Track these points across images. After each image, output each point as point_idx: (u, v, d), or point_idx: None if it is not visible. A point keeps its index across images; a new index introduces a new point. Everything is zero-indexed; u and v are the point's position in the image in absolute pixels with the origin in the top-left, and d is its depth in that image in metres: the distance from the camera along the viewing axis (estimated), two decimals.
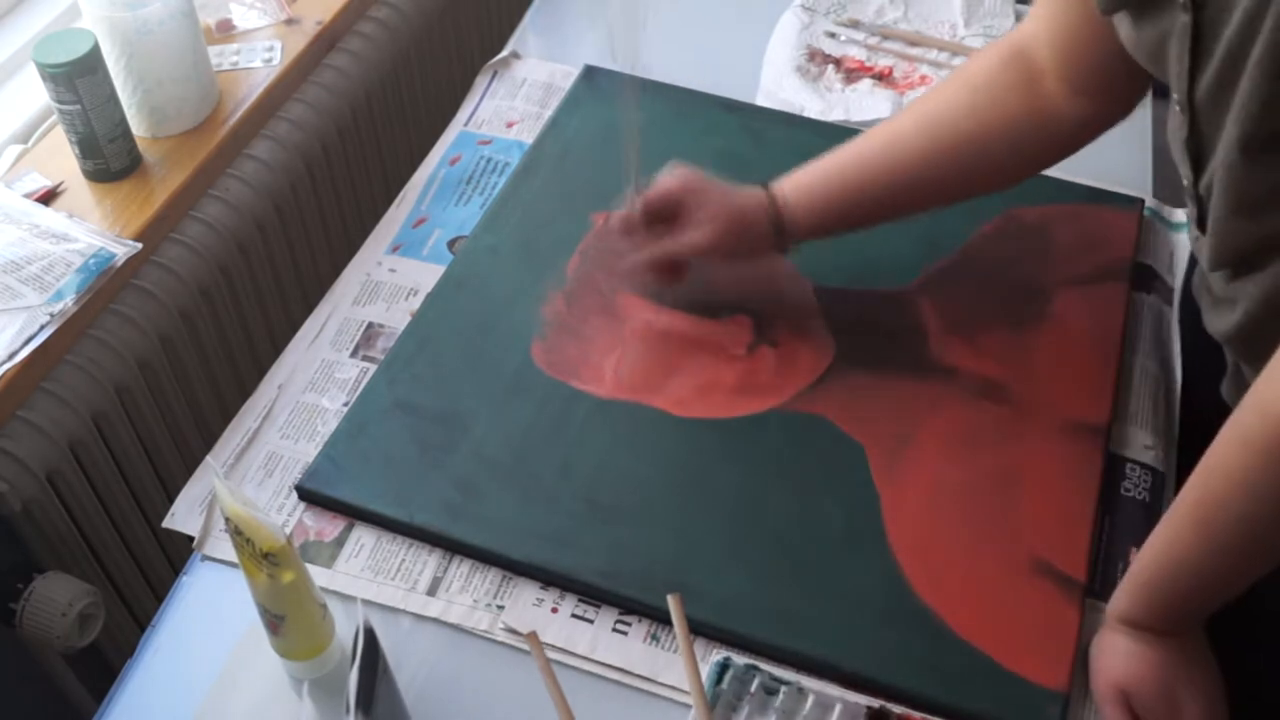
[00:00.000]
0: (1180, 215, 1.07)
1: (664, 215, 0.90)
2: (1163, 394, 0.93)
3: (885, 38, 1.24)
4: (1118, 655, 0.73)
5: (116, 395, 1.02)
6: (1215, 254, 0.71)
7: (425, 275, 1.01)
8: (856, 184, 0.88)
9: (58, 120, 1.04)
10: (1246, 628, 0.74)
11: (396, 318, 0.98)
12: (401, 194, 1.09)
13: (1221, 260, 0.71)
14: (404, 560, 0.83)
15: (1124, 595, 0.73)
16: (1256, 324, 0.71)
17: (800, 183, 0.89)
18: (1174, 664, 0.72)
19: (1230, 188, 0.66)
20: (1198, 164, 0.69)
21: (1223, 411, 0.66)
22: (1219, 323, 0.76)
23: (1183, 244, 1.05)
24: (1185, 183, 0.72)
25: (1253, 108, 0.61)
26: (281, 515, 0.85)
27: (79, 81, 0.99)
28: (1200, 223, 0.72)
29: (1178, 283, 1.01)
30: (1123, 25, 0.72)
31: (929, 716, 0.74)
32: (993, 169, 0.88)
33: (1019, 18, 1.25)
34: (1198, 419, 0.84)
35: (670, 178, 0.90)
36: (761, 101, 1.18)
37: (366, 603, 0.79)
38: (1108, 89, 0.81)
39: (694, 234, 0.89)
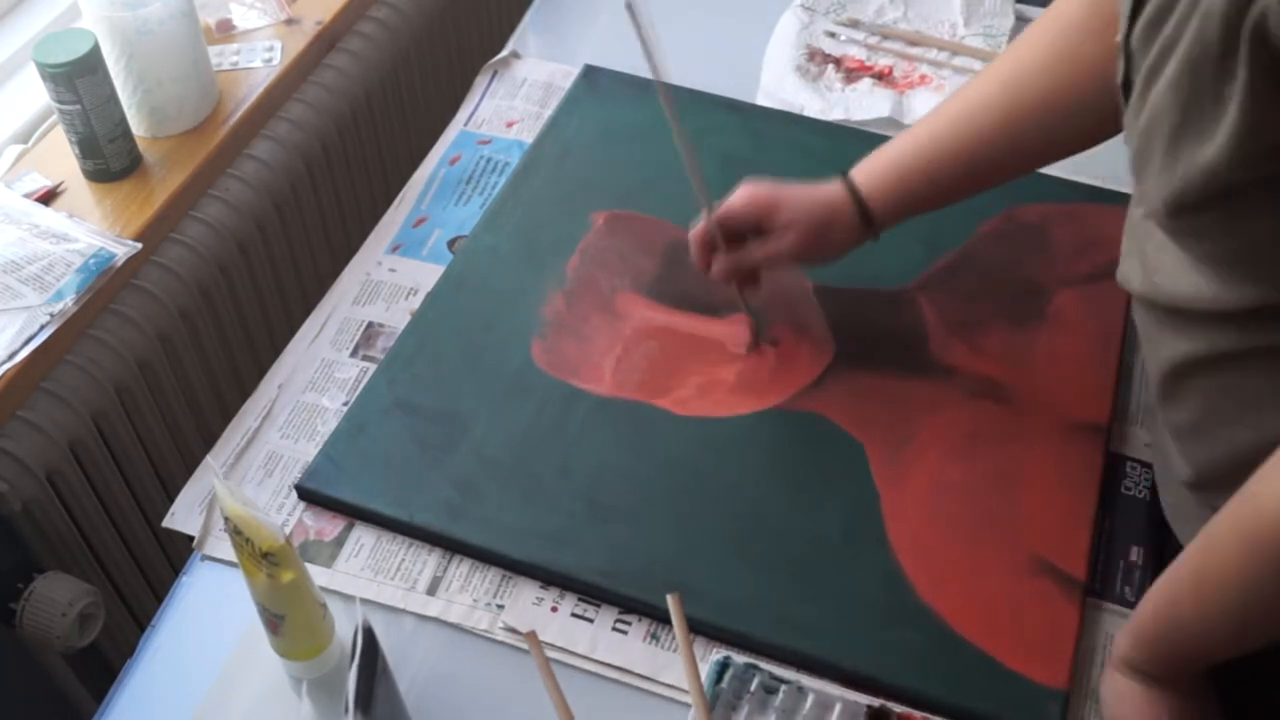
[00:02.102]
0: None
1: (741, 232, 0.87)
2: None
3: (885, 37, 1.24)
4: (1121, 700, 0.72)
5: (116, 395, 1.02)
6: (1139, 198, 0.69)
7: (425, 275, 1.01)
8: (941, 160, 0.84)
9: (58, 120, 1.04)
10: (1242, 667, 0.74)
11: (396, 317, 0.98)
12: (401, 194, 1.09)
13: (1148, 209, 0.69)
14: (404, 560, 0.83)
15: (1127, 642, 0.72)
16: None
17: (879, 167, 0.86)
18: (1176, 710, 0.71)
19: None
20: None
21: None
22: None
23: None
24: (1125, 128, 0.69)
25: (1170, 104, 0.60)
26: (281, 515, 0.85)
27: (79, 81, 0.99)
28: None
29: None
30: None
31: (929, 715, 0.73)
32: (1078, 125, 0.83)
33: (1018, 17, 1.25)
34: None
35: (738, 197, 0.87)
36: (761, 101, 1.18)
37: (366, 602, 0.79)
38: None
39: (776, 243, 0.86)
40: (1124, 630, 0.73)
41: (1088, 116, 0.82)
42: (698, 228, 0.89)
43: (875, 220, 0.86)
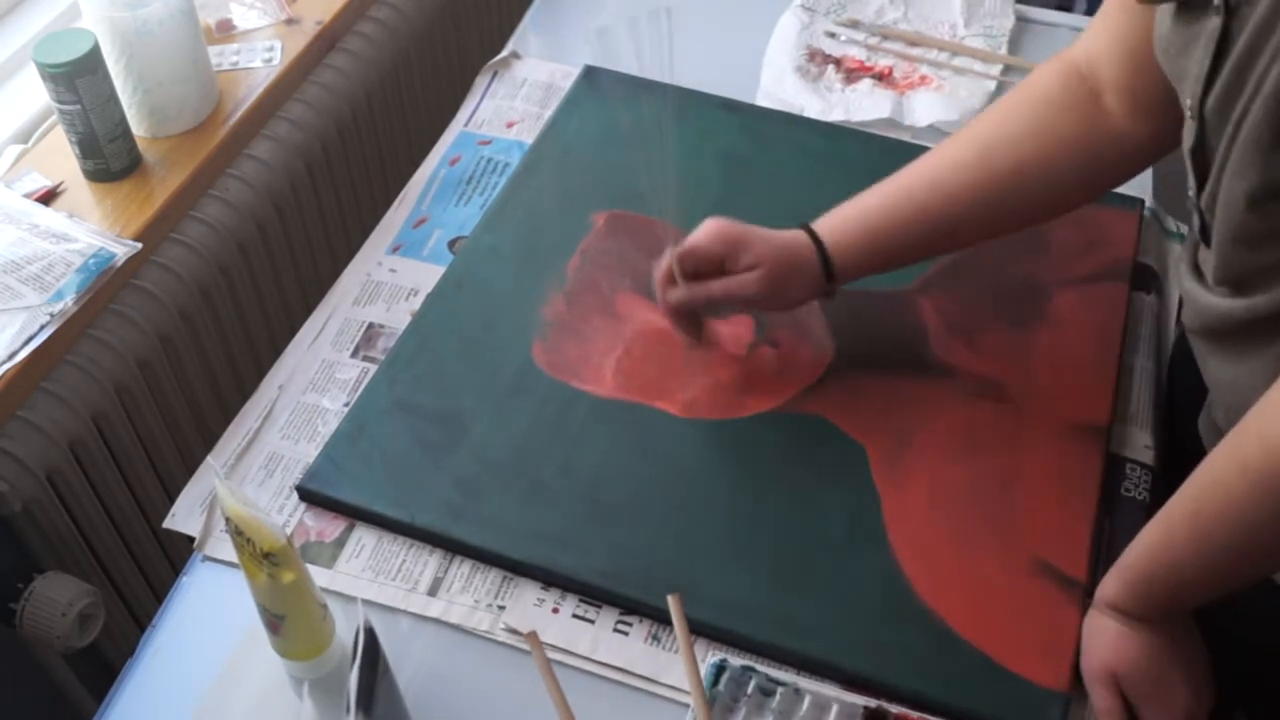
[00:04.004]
0: (1173, 223, 1.07)
1: (702, 271, 0.86)
2: (1163, 394, 0.93)
3: (885, 38, 1.24)
4: (1108, 639, 0.74)
5: (116, 395, 1.02)
6: (1218, 271, 0.70)
7: (425, 275, 1.01)
8: (905, 219, 0.84)
9: (58, 120, 1.04)
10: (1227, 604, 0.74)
11: (397, 318, 0.98)
12: (402, 194, 1.09)
13: (1224, 278, 0.70)
14: (405, 561, 0.83)
15: (1115, 584, 0.73)
16: (1244, 328, 0.71)
17: (847, 220, 0.85)
18: (1164, 648, 0.72)
19: (1230, 220, 0.66)
20: (1202, 175, 0.69)
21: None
22: (1199, 319, 0.75)
23: (1178, 251, 1.05)
24: (1190, 193, 0.71)
25: (1252, 158, 0.61)
26: (282, 516, 0.85)
27: (79, 81, 0.99)
28: (1204, 235, 0.71)
29: (1173, 288, 1.01)
30: (1162, 20, 0.70)
31: (927, 716, 0.74)
32: (1049, 196, 0.84)
33: (1019, 17, 1.25)
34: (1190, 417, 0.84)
35: (704, 231, 0.86)
36: (761, 101, 1.18)
37: (367, 603, 0.79)
38: (1169, 108, 0.75)
39: (739, 282, 0.85)
40: (1112, 573, 0.74)
41: (1057, 189, 0.84)
42: (661, 266, 0.87)
43: (836, 273, 0.85)
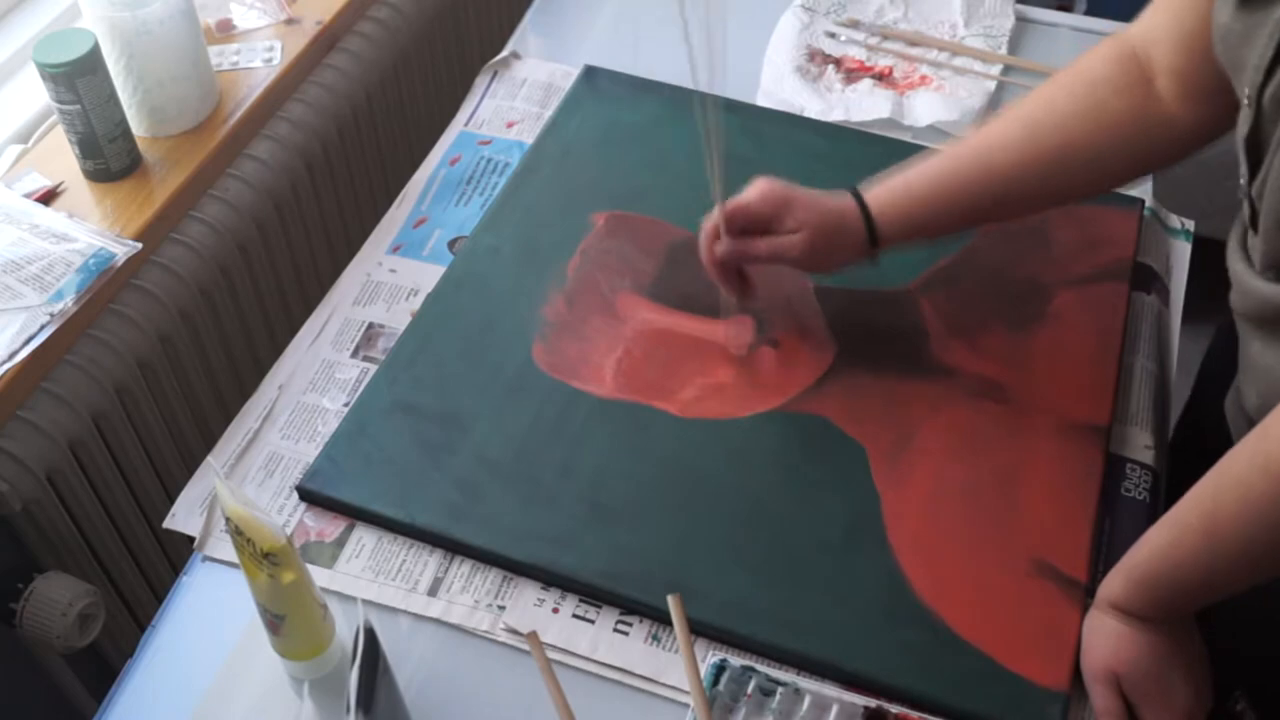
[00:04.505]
0: (1176, 220, 1.07)
1: (749, 229, 0.87)
2: (1163, 394, 0.93)
3: (885, 38, 1.24)
4: (1109, 638, 0.74)
5: (116, 395, 1.02)
6: (1265, 257, 0.70)
7: (426, 275, 1.01)
8: (951, 190, 0.86)
9: (58, 120, 1.04)
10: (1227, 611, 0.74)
11: (397, 318, 0.98)
12: (402, 194, 1.09)
13: (1271, 264, 0.70)
14: (405, 561, 0.83)
15: (1119, 584, 0.74)
16: None
17: (893, 189, 0.87)
18: (1165, 648, 0.72)
19: (1278, 208, 0.65)
20: (1255, 163, 0.68)
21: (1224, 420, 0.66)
22: (1245, 303, 0.75)
23: (1180, 249, 1.05)
24: (1241, 181, 0.71)
25: None
26: (282, 516, 0.85)
27: (79, 81, 0.99)
28: (1253, 222, 0.71)
29: (1176, 285, 1.01)
30: (1222, 9, 0.70)
31: (927, 716, 0.73)
32: (1094, 175, 0.85)
33: (1019, 17, 1.25)
34: (1202, 420, 0.84)
35: (753, 190, 0.87)
36: (761, 101, 1.18)
37: (367, 603, 0.79)
38: (1219, 95, 0.76)
39: (785, 241, 0.86)
40: (1116, 573, 0.74)
41: (1103, 168, 0.85)
42: (709, 221, 0.89)
43: (880, 238, 0.87)
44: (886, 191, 0.87)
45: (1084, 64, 0.85)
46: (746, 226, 0.87)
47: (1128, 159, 0.84)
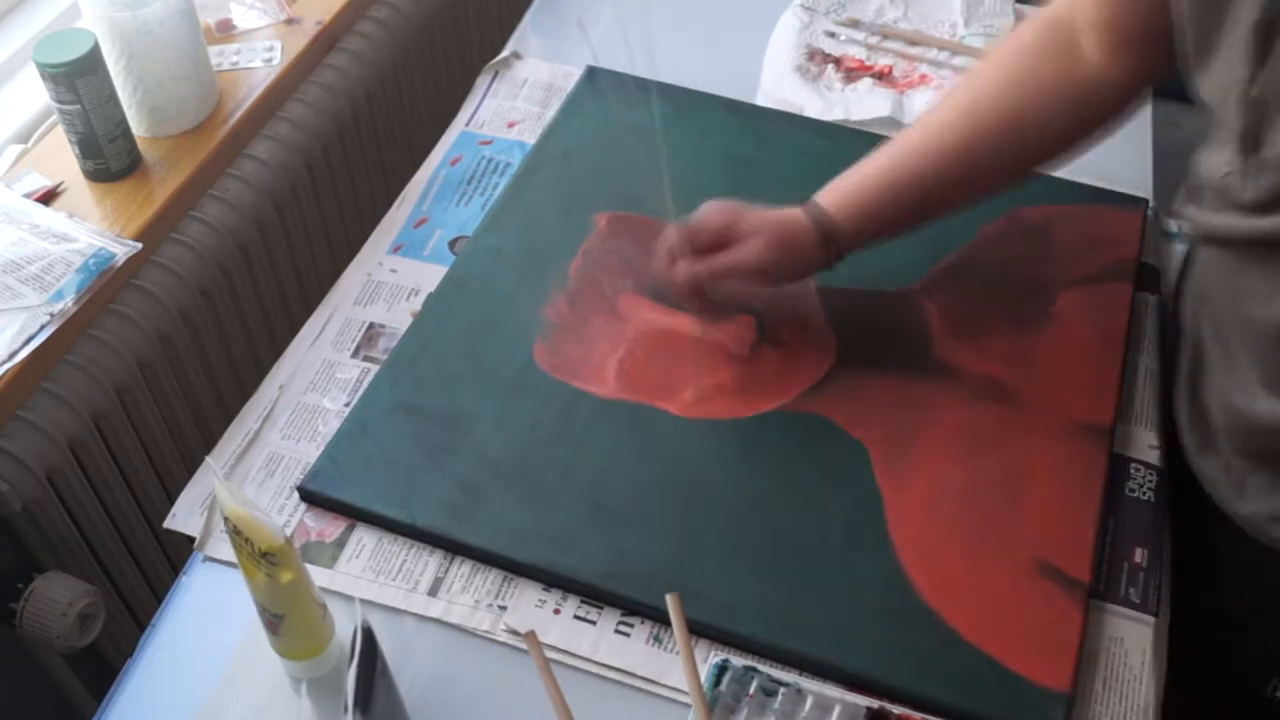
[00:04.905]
0: (1174, 225, 1.07)
1: (707, 247, 0.87)
2: (1168, 395, 0.93)
3: (885, 37, 1.24)
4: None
5: (116, 395, 1.02)
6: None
7: (427, 276, 1.01)
8: (900, 182, 0.86)
9: (58, 120, 1.04)
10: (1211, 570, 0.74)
11: (398, 318, 0.98)
12: (402, 194, 1.09)
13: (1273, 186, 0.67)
14: (405, 561, 0.83)
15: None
16: None
17: (842, 190, 0.87)
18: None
19: None
20: (1263, 52, 0.64)
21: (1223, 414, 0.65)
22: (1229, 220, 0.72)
23: (1180, 253, 1.04)
24: (1237, 88, 0.67)
25: None
26: (282, 516, 0.85)
27: (79, 81, 0.99)
28: (1246, 139, 0.67)
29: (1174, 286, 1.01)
30: None
31: (930, 717, 0.73)
32: (1041, 142, 0.86)
33: (1019, 17, 1.25)
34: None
35: (702, 210, 0.88)
36: (761, 101, 1.17)
37: (366, 603, 0.79)
38: (1147, 46, 0.78)
39: (741, 251, 0.86)
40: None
41: (1047, 134, 0.86)
42: (662, 246, 0.89)
43: (837, 243, 0.87)
44: (842, 191, 0.87)
45: (1013, 36, 0.86)
46: (702, 245, 0.87)
47: (1068, 120, 0.85)
